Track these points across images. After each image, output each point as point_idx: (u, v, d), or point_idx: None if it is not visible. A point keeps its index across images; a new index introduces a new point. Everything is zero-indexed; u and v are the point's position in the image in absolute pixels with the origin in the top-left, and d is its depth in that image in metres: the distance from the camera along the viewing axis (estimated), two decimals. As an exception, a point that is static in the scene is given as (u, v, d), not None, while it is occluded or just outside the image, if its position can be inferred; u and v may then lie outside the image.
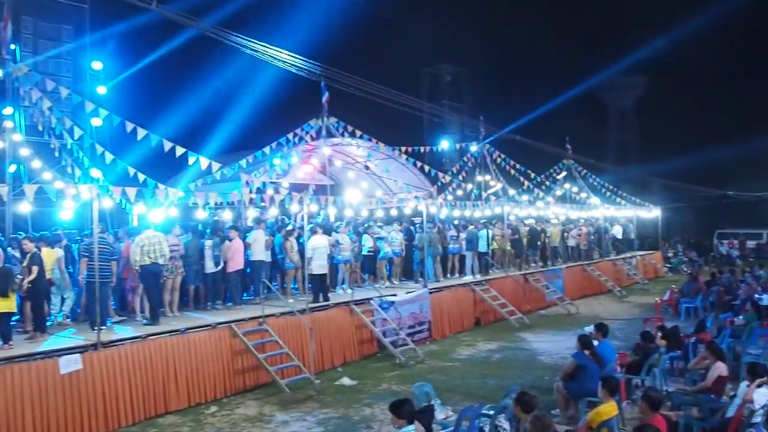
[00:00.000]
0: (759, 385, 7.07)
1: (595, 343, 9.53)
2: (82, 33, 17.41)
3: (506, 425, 7.27)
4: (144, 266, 10.53)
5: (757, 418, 6.66)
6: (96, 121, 14.22)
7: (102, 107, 11.36)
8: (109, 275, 10.24)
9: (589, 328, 11.19)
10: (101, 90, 17.45)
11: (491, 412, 7.47)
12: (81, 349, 8.82)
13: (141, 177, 10.42)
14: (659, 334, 10.89)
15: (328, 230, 14.32)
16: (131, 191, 9.74)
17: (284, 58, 14.98)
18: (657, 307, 18.00)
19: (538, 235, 21.09)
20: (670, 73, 47.55)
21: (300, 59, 15.02)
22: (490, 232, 18.54)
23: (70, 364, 8.44)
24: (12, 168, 11.92)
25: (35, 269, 9.29)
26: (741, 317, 12.77)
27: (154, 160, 12.10)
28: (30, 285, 9.21)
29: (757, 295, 15.23)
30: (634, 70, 50.35)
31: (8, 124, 11.47)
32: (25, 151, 11.84)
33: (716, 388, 8.02)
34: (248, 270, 12.86)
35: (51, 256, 10.05)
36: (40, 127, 12.66)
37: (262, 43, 14.41)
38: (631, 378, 9.46)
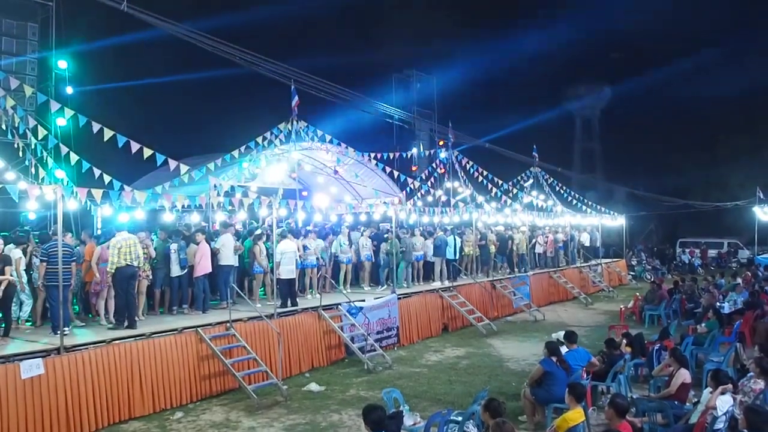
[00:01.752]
0: (722, 392, 7.25)
1: (565, 350, 9.68)
2: (47, 31, 17.10)
3: (474, 431, 7.31)
4: (119, 269, 10.33)
5: (720, 425, 6.82)
6: (61, 121, 13.95)
7: (67, 107, 11.14)
8: (69, 278, 10.02)
9: (557, 335, 11.36)
10: (69, 90, 17.16)
11: (459, 419, 7.50)
12: (43, 354, 8.61)
13: (107, 179, 10.24)
14: (624, 341, 11.09)
15: (296, 235, 14.27)
16: (97, 193, 9.56)
17: (255, 60, 14.89)
18: (621, 315, 18.34)
19: (506, 241, 21.29)
20: (634, 85, 48.68)
21: (271, 62, 14.96)
22: (457, 239, 18.66)
23: (31, 368, 8.23)
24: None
25: (8, 269, 9.11)
26: (703, 325, 13.07)
27: (120, 161, 11.91)
28: None
29: (718, 303, 15.64)
30: (600, 81, 51.62)
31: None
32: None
33: (680, 395, 8.19)
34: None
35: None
36: (3, 126, 12.34)
37: (233, 46, 14.31)
38: (596, 384, 9.61)
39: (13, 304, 10.26)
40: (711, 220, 41.65)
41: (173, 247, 11.99)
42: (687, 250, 39.17)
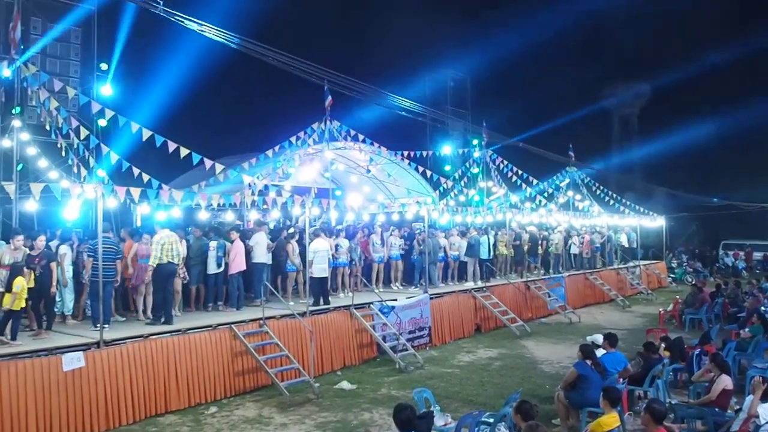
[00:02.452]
0: (764, 400, 7.03)
1: (603, 352, 9.51)
2: (90, 34, 17.54)
3: (506, 433, 7.25)
4: (161, 265, 10.57)
5: (761, 432, 6.63)
6: (102, 122, 14.28)
7: (108, 108, 11.40)
8: (113, 275, 10.31)
9: (592, 337, 11.17)
10: (107, 91, 17.56)
11: (491, 420, 7.45)
12: (84, 347, 8.86)
13: (145, 177, 10.45)
14: (663, 345, 10.87)
15: (329, 234, 14.36)
16: (135, 191, 9.76)
17: (289, 62, 14.99)
18: (660, 318, 17.95)
19: (538, 242, 21.04)
20: (675, 82, 47.55)
21: (304, 63, 15.04)
22: (491, 238, 18.51)
23: (73, 361, 8.48)
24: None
25: (53, 265, 9.47)
26: (747, 330, 12.70)
27: (158, 161, 12.13)
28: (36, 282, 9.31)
29: (763, 308, 15.18)
30: (639, 79, 50.50)
31: (16, 123, 11.52)
32: (32, 150, 11.89)
33: (721, 402, 7.97)
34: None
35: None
36: (47, 127, 12.70)
37: (267, 47, 14.44)
38: (633, 389, 9.42)
39: (57, 299, 10.60)
40: (757, 222, 40.38)
41: (212, 244, 12.17)
42: (730, 253, 38.09)
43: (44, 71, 13.04)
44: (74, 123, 11.28)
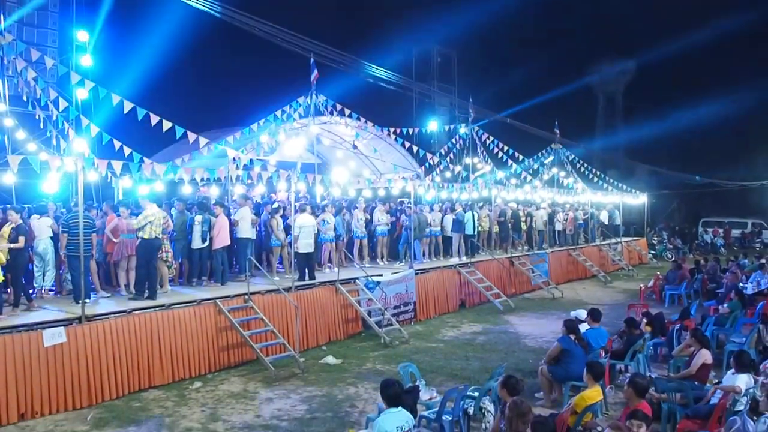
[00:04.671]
0: (741, 371, 7.16)
1: (587, 327, 9.61)
2: (68, 2, 17.10)
3: (491, 407, 7.31)
4: (146, 240, 10.45)
5: (740, 406, 6.74)
6: (82, 93, 13.98)
7: (88, 79, 11.15)
8: (89, 249, 10.13)
9: (576, 313, 11.28)
10: (87, 62, 17.18)
11: (476, 394, 7.51)
12: (65, 323, 8.75)
13: (127, 151, 10.27)
14: (644, 320, 11.00)
15: (314, 209, 14.27)
16: (117, 165, 9.60)
17: (274, 32, 14.73)
18: (641, 294, 18.17)
19: (520, 218, 21.11)
20: (659, 60, 47.59)
21: (290, 34, 14.79)
22: (476, 214, 18.55)
23: (54, 337, 8.38)
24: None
25: (22, 240, 9.19)
26: (725, 305, 12.88)
27: (140, 134, 11.93)
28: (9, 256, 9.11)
29: (741, 284, 15.41)
30: (624, 56, 50.46)
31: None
32: (9, 122, 11.62)
33: (700, 375, 8.09)
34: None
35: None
36: (24, 98, 12.41)
37: (254, 17, 14.17)
38: (615, 363, 9.55)
39: (37, 273, 10.44)
40: (735, 200, 40.90)
41: (197, 219, 12.04)
42: (710, 230, 38.59)
43: (21, 40, 12.69)
44: (53, 94, 11.03)
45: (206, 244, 12.12)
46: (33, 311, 9.24)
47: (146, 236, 10.43)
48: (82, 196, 9.50)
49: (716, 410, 6.77)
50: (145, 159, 10.32)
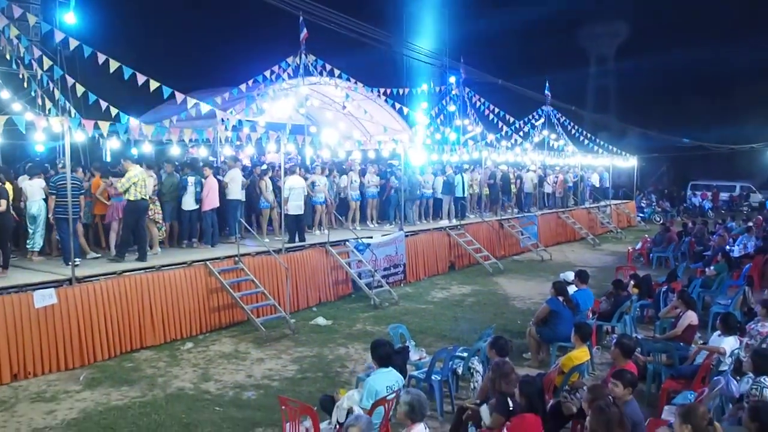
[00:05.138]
0: (728, 334, 7.28)
1: (574, 289, 9.71)
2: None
3: (479, 367, 7.42)
4: (133, 202, 10.34)
5: (725, 367, 6.87)
6: (65, 51, 13.68)
7: (72, 37, 10.87)
8: (77, 211, 10.02)
9: (565, 275, 11.38)
10: (69, 18, 16.77)
11: (464, 355, 7.62)
12: (55, 284, 8.73)
13: (114, 111, 10.09)
14: (631, 282, 11.12)
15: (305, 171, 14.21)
16: (104, 125, 9.43)
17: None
18: (629, 256, 18.36)
19: (509, 181, 21.12)
20: (651, 22, 47.16)
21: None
22: (466, 176, 18.54)
23: (44, 298, 8.38)
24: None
25: (3, 203, 9.06)
26: (712, 268, 13.05)
27: (127, 94, 11.73)
28: None
29: (728, 247, 15.59)
30: (616, 17, 49.95)
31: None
32: (-9, 81, 11.39)
33: (686, 336, 8.23)
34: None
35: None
36: (7, 56, 12.12)
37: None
38: (602, 324, 9.69)
39: (32, 234, 10.34)
40: (724, 163, 41.11)
41: (190, 180, 11.93)
42: (698, 193, 38.85)
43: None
44: (36, 53, 10.77)
45: (198, 206, 12.06)
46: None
47: (132, 198, 10.31)
48: (69, 157, 9.37)
49: (701, 370, 6.91)
50: (132, 119, 10.15)
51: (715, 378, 6.43)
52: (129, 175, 10.33)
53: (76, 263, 9.36)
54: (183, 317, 10.09)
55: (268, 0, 14.30)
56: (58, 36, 10.76)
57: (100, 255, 10.89)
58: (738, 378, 6.39)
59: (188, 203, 11.94)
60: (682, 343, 8.09)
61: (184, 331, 10.08)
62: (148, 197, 10.67)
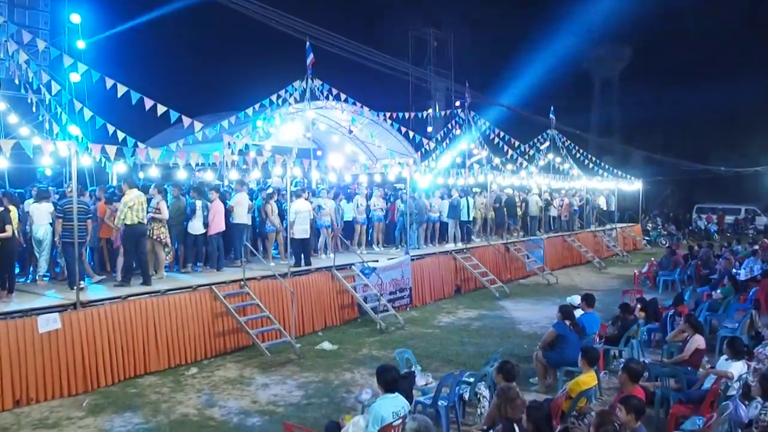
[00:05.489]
0: (736, 359, 7.20)
1: (581, 312, 9.64)
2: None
3: (486, 393, 7.34)
4: (130, 226, 10.33)
5: (733, 391, 6.78)
6: (74, 77, 13.84)
7: (81, 62, 11.02)
8: (84, 235, 10.04)
9: (571, 299, 11.30)
10: (80, 44, 17.00)
11: (471, 380, 7.54)
12: (60, 309, 8.71)
13: (121, 135, 10.17)
14: (638, 306, 11.04)
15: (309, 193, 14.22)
16: (111, 149, 9.50)
17: (271, 15, 14.62)
18: (635, 279, 18.24)
19: (515, 204, 21.10)
20: (655, 46, 47.44)
21: (286, 17, 14.69)
22: (471, 200, 18.54)
23: (48, 323, 8.35)
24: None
25: (9, 228, 9.07)
26: (718, 291, 12.94)
27: (134, 118, 11.82)
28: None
29: (734, 270, 15.47)
30: (621, 42, 50.33)
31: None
32: (1, 106, 11.49)
33: (693, 361, 8.14)
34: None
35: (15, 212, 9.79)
36: (16, 81, 12.28)
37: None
38: (609, 348, 9.59)
39: (39, 258, 10.37)
40: (729, 186, 41.00)
41: (198, 204, 11.97)
42: (704, 216, 38.70)
43: (12, 22, 12.52)
44: (45, 77, 10.90)
45: (205, 230, 12.06)
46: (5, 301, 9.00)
47: (129, 222, 10.29)
48: (75, 181, 9.42)
49: (709, 395, 6.82)
50: (139, 144, 10.23)
51: (724, 403, 6.34)
52: (125, 199, 10.33)
53: (81, 287, 9.35)
54: (188, 342, 10.03)
55: (275, 26, 14.46)
56: (67, 61, 10.91)
57: (104, 277, 10.88)
58: (747, 403, 6.30)
59: (196, 227, 11.96)
60: (689, 368, 8.00)
61: (188, 356, 10.02)
62: (146, 221, 10.62)
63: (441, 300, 15.68)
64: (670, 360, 8.70)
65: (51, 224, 10.30)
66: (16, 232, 9.49)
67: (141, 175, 15.18)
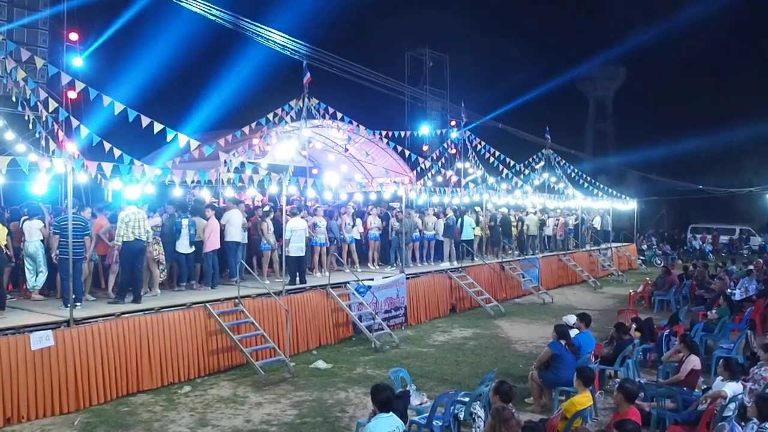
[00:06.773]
0: (733, 379, 7.20)
1: (576, 332, 9.63)
2: (59, 2, 17.02)
3: (481, 413, 7.30)
4: (128, 243, 10.31)
5: (729, 412, 6.77)
6: (72, 94, 13.90)
7: (78, 80, 11.06)
8: (82, 251, 10.03)
9: (566, 318, 11.29)
10: (77, 62, 17.09)
11: (466, 399, 7.50)
12: (53, 326, 8.65)
13: (117, 152, 10.18)
14: (633, 325, 11.03)
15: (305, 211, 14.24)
16: (107, 166, 9.51)
17: (267, 35, 14.73)
18: (631, 299, 18.24)
19: (510, 224, 21.14)
20: (649, 66, 47.93)
21: (283, 37, 14.80)
22: (471, 219, 18.56)
23: (41, 340, 8.28)
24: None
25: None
26: (714, 311, 12.95)
27: (131, 135, 11.85)
28: None
29: (729, 290, 15.49)
30: (615, 62, 50.84)
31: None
32: (-3, 122, 11.51)
33: (689, 381, 8.14)
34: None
35: (3, 231, 9.82)
36: (14, 98, 12.30)
37: (246, 20, 14.16)
38: (604, 369, 9.57)
39: (29, 273, 10.34)
40: (724, 206, 41.22)
41: (184, 222, 11.96)
42: (698, 236, 38.84)
43: (10, 40, 12.59)
44: (42, 95, 10.94)
45: (194, 248, 12.02)
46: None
47: (125, 239, 10.30)
48: (71, 198, 9.42)
49: (705, 416, 6.80)
50: (135, 161, 10.23)
51: (720, 424, 6.32)
52: (121, 216, 10.36)
53: (77, 305, 9.30)
54: (181, 360, 9.96)
55: (272, 45, 14.57)
56: (65, 79, 10.95)
57: (94, 299, 10.77)
58: (743, 424, 6.29)
59: (182, 246, 11.91)
60: (685, 388, 7.99)
61: (182, 375, 9.94)
62: (144, 237, 10.62)
63: (436, 319, 15.64)
64: (666, 380, 8.69)
65: (41, 241, 10.28)
66: (3, 248, 9.48)
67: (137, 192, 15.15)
